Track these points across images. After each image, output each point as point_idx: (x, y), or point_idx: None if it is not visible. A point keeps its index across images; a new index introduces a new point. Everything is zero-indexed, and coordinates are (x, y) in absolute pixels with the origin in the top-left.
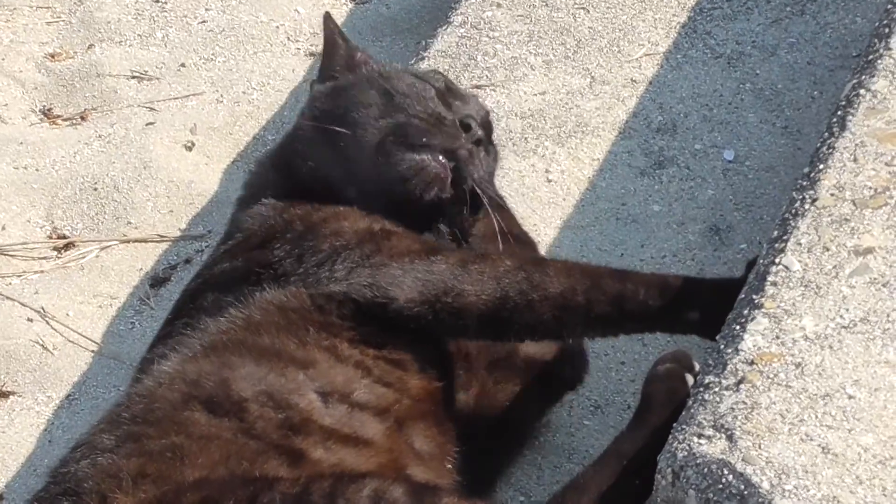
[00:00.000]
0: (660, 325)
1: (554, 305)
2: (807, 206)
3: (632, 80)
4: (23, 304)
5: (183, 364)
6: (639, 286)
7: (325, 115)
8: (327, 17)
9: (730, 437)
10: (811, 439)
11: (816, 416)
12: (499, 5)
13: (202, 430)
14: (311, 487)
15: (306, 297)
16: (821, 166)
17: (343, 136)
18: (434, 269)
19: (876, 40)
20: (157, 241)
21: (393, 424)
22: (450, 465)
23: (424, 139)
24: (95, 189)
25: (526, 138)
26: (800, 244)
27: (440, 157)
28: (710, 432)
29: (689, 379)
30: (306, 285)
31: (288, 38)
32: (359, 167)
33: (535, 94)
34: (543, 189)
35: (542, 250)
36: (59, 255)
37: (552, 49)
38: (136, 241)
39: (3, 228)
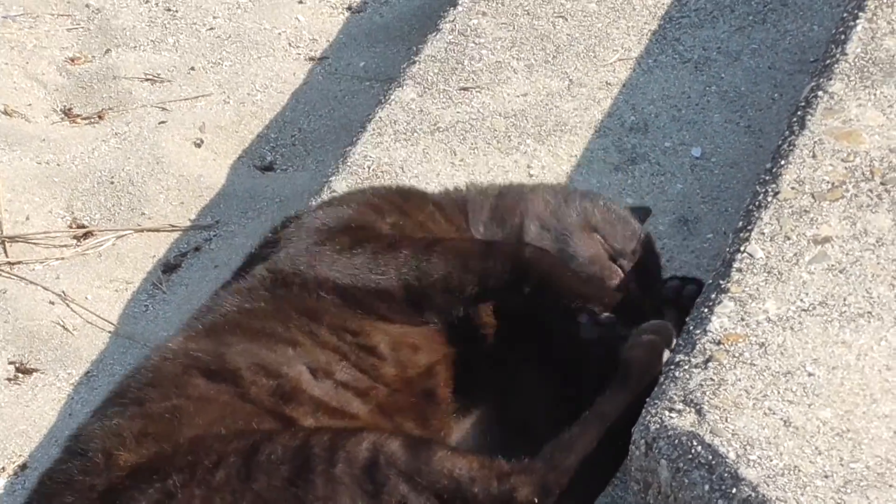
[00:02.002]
0: (511, 296)
1: (440, 289)
2: (769, 199)
3: (607, 83)
4: (45, 289)
5: (185, 342)
6: (497, 261)
7: None
8: None
9: (699, 411)
10: (774, 413)
11: (779, 392)
12: (484, 14)
13: (200, 392)
14: (311, 440)
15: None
16: (782, 162)
17: None
18: (354, 261)
19: (833, 46)
20: (168, 231)
21: (375, 408)
22: None
23: None
24: (112, 183)
25: (509, 136)
26: (763, 234)
27: None
28: (680, 406)
29: (666, 354)
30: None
31: (289, 44)
32: None
33: (518, 96)
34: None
35: None
36: (79, 244)
37: (533, 54)
38: (149, 230)
39: (27, 219)
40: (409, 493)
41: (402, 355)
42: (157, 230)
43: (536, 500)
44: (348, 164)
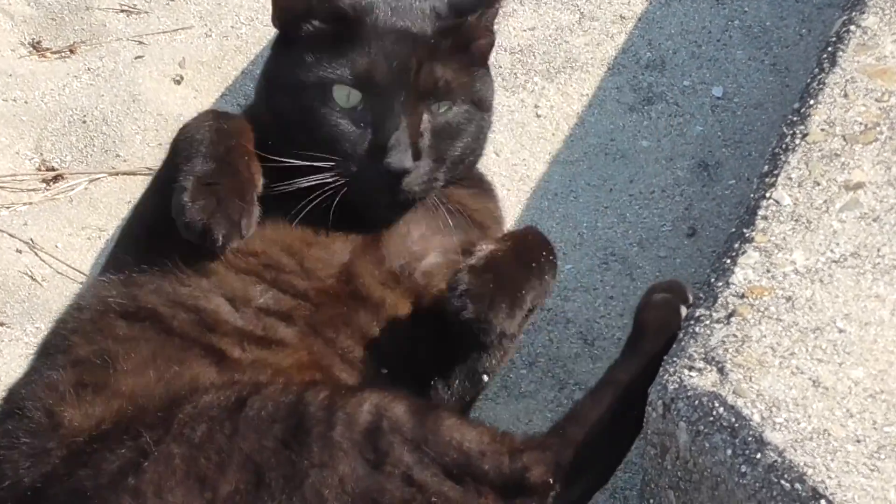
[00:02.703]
0: None
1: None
2: (797, 142)
3: (621, 16)
4: (11, 236)
5: (96, 289)
6: None
7: None
8: None
9: (720, 370)
10: (802, 372)
11: (807, 350)
12: None
13: (124, 332)
14: (306, 397)
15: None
16: (811, 102)
17: None
18: None
19: None
20: (145, 174)
21: (304, 328)
22: (382, 370)
23: None
24: (84, 122)
25: (515, 73)
26: (790, 179)
27: None
28: (700, 365)
29: (683, 310)
30: None
31: None
32: None
33: (525, 30)
34: (533, 124)
35: (531, 185)
36: (48, 188)
37: None
38: (124, 173)
39: None
40: (415, 466)
41: (310, 263)
42: (133, 174)
43: (551, 481)
44: None
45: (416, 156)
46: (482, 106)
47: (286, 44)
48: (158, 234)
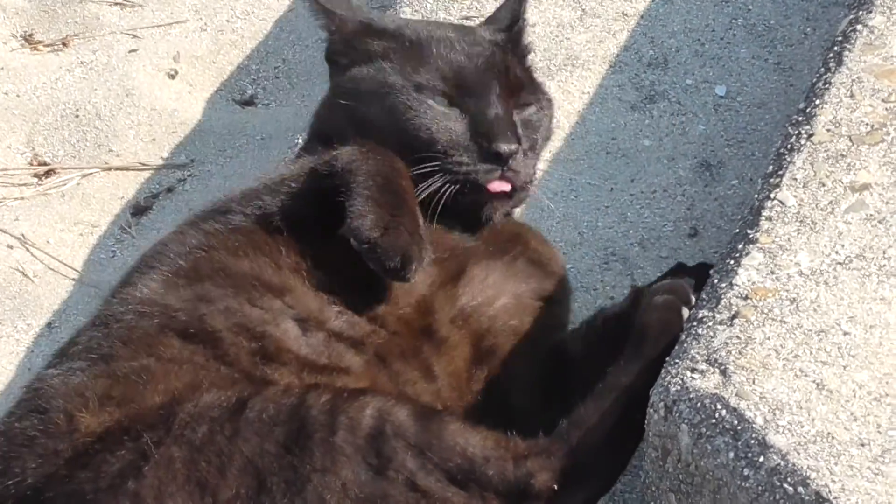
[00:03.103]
0: None
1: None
2: (802, 142)
3: (623, 13)
4: (3, 231)
5: (164, 292)
6: None
7: None
8: None
9: (723, 372)
10: (806, 375)
11: (811, 352)
12: None
13: (173, 353)
14: (308, 399)
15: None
16: (817, 102)
17: None
18: None
19: None
20: (138, 170)
21: (372, 358)
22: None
23: None
24: (77, 116)
25: None
26: (795, 179)
27: None
28: (703, 367)
29: (685, 312)
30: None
31: None
32: None
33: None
34: None
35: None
36: (40, 182)
37: None
38: (117, 169)
39: None
40: (419, 471)
41: (393, 288)
42: (127, 169)
43: (556, 487)
44: None
45: (518, 140)
46: (547, 106)
47: (346, 68)
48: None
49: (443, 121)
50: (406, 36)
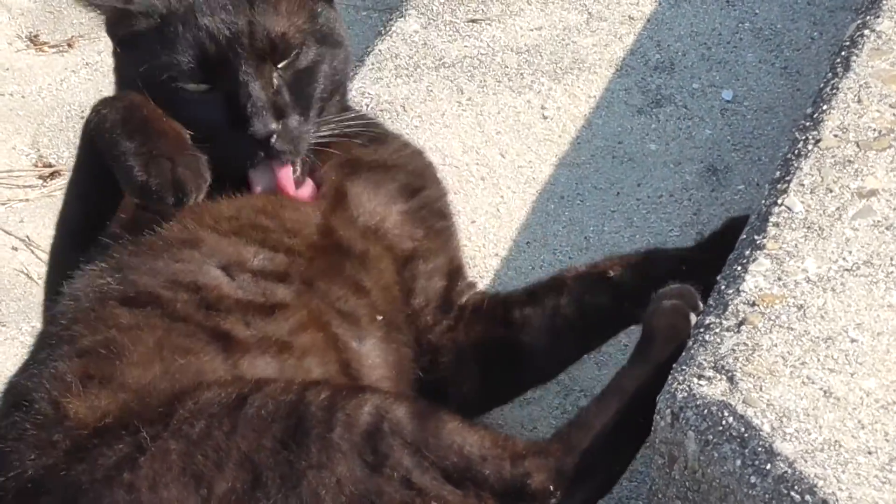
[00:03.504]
0: None
1: None
2: (810, 147)
3: (629, 16)
4: (7, 233)
5: (88, 279)
6: None
7: None
8: None
9: (730, 379)
10: (813, 382)
11: (818, 360)
12: None
13: (128, 320)
14: (307, 396)
15: None
16: (824, 107)
17: None
18: None
19: None
20: None
21: (300, 285)
22: (380, 318)
23: None
24: (82, 117)
25: (522, 74)
26: (803, 185)
27: None
28: (710, 373)
29: (693, 318)
30: None
31: None
32: None
33: (532, 30)
34: (539, 125)
35: (538, 187)
36: (45, 184)
37: None
38: None
39: None
40: (415, 469)
41: (289, 223)
42: None
43: (552, 488)
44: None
45: (280, 114)
46: (329, 41)
47: (122, 48)
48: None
49: (198, 110)
50: (158, 12)
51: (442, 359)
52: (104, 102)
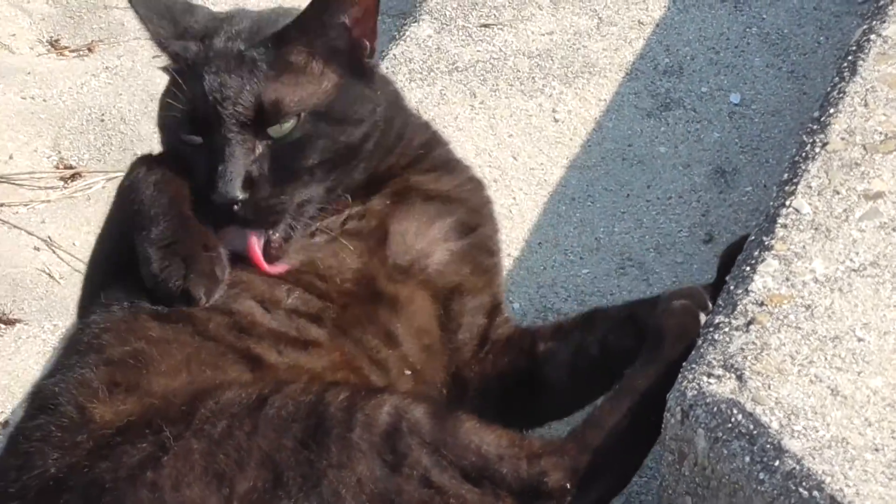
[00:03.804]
0: None
1: None
2: (817, 150)
3: (639, 21)
4: (29, 233)
5: (126, 291)
6: None
7: None
8: None
9: (739, 378)
10: (820, 381)
11: (826, 358)
12: None
13: (159, 333)
14: (326, 397)
15: None
16: (831, 110)
17: None
18: None
19: None
20: None
21: (333, 329)
22: (408, 373)
23: None
24: (102, 120)
25: (533, 78)
26: (810, 187)
27: None
28: (719, 372)
29: (702, 317)
30: None
31: None
32: None
33: (543, 34)
34: (550, 128)
35: (549, 189)
36: (66, 185)
37: None
38: None
39: (11, 158)
40: (433, 468)
41: (323, 270)
42: None
43: (568, 486)
44: None
45: (248, 184)
46: (335, 117)
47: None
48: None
49: (192, 159)
50: (183, 59)
51: (469, 391)
52: (141, 164)
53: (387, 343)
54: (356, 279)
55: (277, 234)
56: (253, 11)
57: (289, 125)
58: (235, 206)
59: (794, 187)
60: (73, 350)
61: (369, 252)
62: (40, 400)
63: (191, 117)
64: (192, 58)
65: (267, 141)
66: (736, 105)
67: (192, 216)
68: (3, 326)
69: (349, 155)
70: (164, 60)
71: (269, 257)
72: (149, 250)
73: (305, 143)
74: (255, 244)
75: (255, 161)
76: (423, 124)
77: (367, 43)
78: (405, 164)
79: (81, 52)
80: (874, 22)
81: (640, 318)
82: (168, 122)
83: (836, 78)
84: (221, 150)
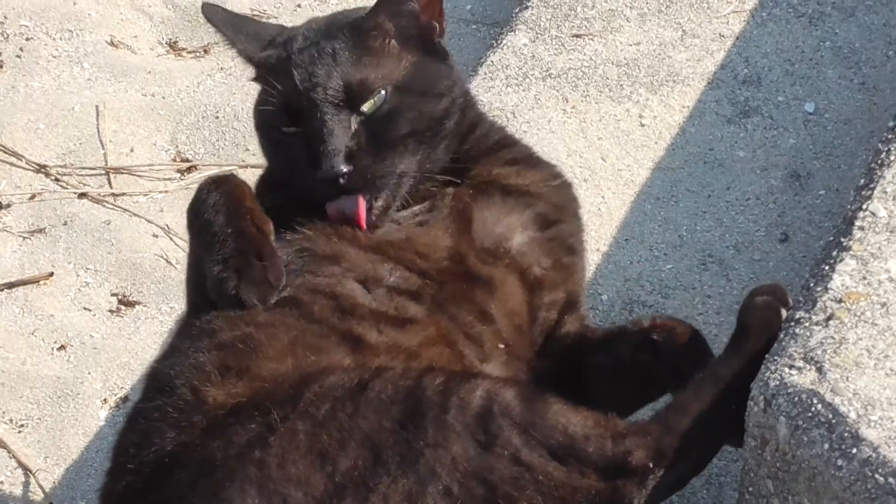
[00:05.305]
0: None
1: None
2: (892, 158)
3: (720, 34)
4: (149, 221)
5: None
6: None
7: None
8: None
9: (819, 369)
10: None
11: None
12: None
13: (266, 318)
14: (423, 381)
15: None
16: None
17: None
18: None
19: None
20: None
21: (431, 305)
22: (502, 347)
23: None
24: (217, 117)
25: (621, 85)
26: (885, 192)
27: None
28: (800, 364)
29: (783, 312)
30: None
31: None
32: None
33: (631, 45)
34: (637, 133)
35: (635, 189)
36: (183, 177)
37: (646, 3)
38: (253, 166)
39: (132, 151)
40: (523, 448)
41: (421, 248)
42: (261, 167)
43: (651, 465)
44: None
45: (350, 157)
46: (416, 90)
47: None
48: None
49: (287, 149)
50: (272, 65)
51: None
52: (208, 185)
53: (481, 320)
54: (451, 257)
55: (380, 202)
56: (322, 16)
57: (378, 99)
58: (341, 180)
59: (870, 192)
60: (187, 334)
61: (459, 233)
62: (157, 382)
63: (286, 110)
64: (280, 61)
65: (360, 118)
66: (810, 114)
67: (251, 229)
68: (123, 308)
69: (435, 128)
70: (252, 73)
71: (370, 225)
72: (209, 268)
73: (395, 115)
74: (362, 206)
75: (353, 136)
76: (494, 121)
77: (437, 24)
78: (482, 154)
79: (198, 54)
80: None
81: (653, 341)
82: (265, 119)
83: None
84: (319, 131)
